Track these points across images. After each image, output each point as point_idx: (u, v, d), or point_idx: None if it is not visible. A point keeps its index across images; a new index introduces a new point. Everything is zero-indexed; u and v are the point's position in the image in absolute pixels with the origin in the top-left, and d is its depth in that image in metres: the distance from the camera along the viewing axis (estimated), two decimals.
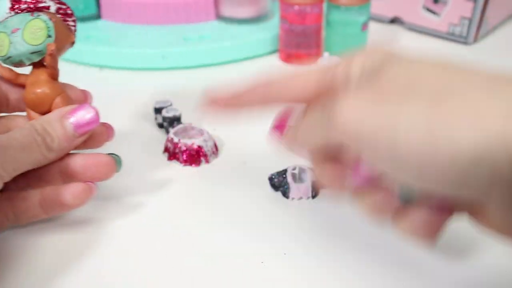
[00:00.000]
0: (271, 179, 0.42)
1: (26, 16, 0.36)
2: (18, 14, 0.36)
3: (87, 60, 0.63)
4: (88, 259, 0.35)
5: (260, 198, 0.41)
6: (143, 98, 0.55)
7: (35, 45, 0.36)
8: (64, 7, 0.38)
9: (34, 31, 0.36)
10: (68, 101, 0.37)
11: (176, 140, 0.45)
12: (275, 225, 0.38)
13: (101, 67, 0.62)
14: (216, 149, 0.46)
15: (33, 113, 0.37)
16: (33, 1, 0.36)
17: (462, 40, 0.67)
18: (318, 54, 0.63)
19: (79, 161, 0.36)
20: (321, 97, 0.31)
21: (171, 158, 0.45)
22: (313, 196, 0.41)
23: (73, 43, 0.39)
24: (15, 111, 0.39)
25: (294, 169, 0.42)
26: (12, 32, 0.36)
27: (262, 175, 0.43)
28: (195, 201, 0.41)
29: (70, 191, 0.35)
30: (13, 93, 0.38)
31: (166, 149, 0.46)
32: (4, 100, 0.38)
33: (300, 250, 0.36)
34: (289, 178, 0.41)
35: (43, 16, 0.36)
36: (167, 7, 0.66)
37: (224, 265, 0.35)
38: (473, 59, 0.67)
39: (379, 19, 0.74)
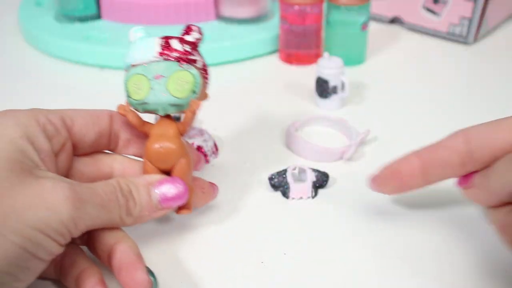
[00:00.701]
0: (271, 179, 0.42)
1: (174, 65, 0.34)
2: (165, 61, 0.34)
3: (87, 60, 0.63)
4: None
5: (260, 198, 0.41)
6: None
7: (178, 98, 0.33)
8: (206, 63, 0.36)
9: (180, 83, 0.33)
10: (191, 165, 0.35)
11: None
12: (275, 225, 0.38)
13: (101, 67, 0.62)
14: (216, 149, 0.46)
15: (150, 166, 0.34)
16: (185, 52, 0.34)
17: (462, 40, 0.67)
18: (318, 54, 0.63)
19: (118, 262, 0.31)
20: None
21: None
22: (313, 196, 0.41)
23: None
24: (121, 153, 0.37)
25: (294, 169, 0.42)
26: (155, 78, 0.33)
27: (262, 175, 0.43)
28: None
29: None
30: (124, 133, 0.36)
31: None
32: (114, 139, 0.36)
33: (300, 250, 0.36)
34: (289, 178, 0.41)
35: (194, 70, 0.34)
36: (167, 7, 0.66)
37: (223, 264, 0.35)
38: (473, 59, 0.67)
39: (379, 19, 0.74)
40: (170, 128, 0.34)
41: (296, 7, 0.59)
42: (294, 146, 0.47)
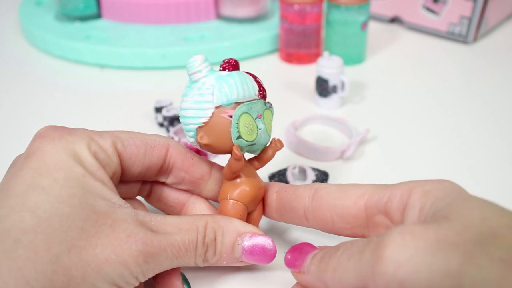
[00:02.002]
0: (271, 178, 0.42)
1: (263, 103, 0.33)
2: (259, 100, 0.32)
3: (87, 60, 0.63)
4: None
5: None
6: (144, 97, 0.55)
7: (269, 137, 0.33)
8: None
9: (269, 122, 0.33)
10: (261, 213, 0.34)
11: (176, 139, 0.45)
12: (275, 224, 0.38)
13: (101, 66, 0.62)
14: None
15: (236, 209, 0.33)
16: (265, 91, 0.33)
17: (462, 39, 0.68)
18: (318, 54, 0.63)
19: (159, 273, 0.31)
20: (371, 221, 0.29)
21: None
22: None
23: None
24: (172, 187, 0.35)
25: (294, 168, 0.42)
26: (257, 118, 0.32)
27: (263, 174, 0.43)
28: None
29: None
30: (177, 170, 0.34)
31: None
32: (165, 172, 0.34)
33: None
34: (289, 177, 0.41)
35: (272, 108, 0.33)
36: (167, 7, 0.66)
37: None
38: (472, 58, 0.68)
39: (379, 19, 0.74)
40: (252, 168, 0.33)
41: (296, 7, 0.59)
42: (294, 145, 0.47)
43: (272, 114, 0.33)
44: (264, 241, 0.32)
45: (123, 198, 0.30)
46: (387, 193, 0.28)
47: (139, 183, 0.35)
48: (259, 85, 0.33)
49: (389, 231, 0.24)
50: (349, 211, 0.30)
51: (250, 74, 0.33)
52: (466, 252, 0.21)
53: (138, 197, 0.36)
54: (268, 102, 0.33)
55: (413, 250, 0.22)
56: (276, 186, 0.34)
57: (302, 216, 0.32)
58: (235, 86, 0.31)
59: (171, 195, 0.35)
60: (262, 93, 0.33)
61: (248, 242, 0.31)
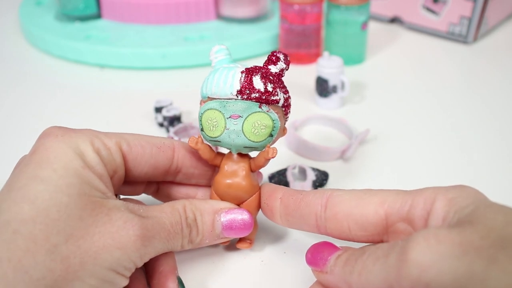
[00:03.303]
0: (271, 178, 0.42)
1: (253, 106, 0.31)
2: (244, 101, 0.31)
3: (87, 60, 0.63)
4: None
5: None
6: (144, 97, 0.55)
7: (254, 142, 0.32)
8: (288, 96, 0.33)
9: (257, 127, 0.32)
10: (259, 202, 0.34)
11: (176, 139, 0.45)
12: (275, 224, 0.38)
13: (101, 66, 0.62)
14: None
15: (216, 197, 0.34)
16: (266, 92, 0.32)
17: (462, 39, 0.68)
18: (318, 54, 0.63)
19: (151, 268, 0.32)
20: (391, 229, 0.29)
21: None
22: None
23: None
24: (180, 183, 0.36)
25: (294, 168, 0.42)
26: (231, 117, 0.31)
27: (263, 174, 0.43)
28: None
29: None
30: (186, 168, 0.34)
31: None
32: (174, 173, 0.35)
33: (300, 249, 0.36)
34: (289, 177, 0.41)
35: (273, 114, 0.32)
36: (167, 7, 0.66)
37: (223, 262, 0.35)
38: (472, 58, 0.68)
39: (379, 19, 0.74)
40: (242, 165, 0.33)
41: (296, 7, 0.59)
42: (294, 145, 0.47)
43: (272, 120, 0.32)
44: (240, 213, 0.33)
45: (128, 196, 0.31)
46: (409, 201, 0.28)
47: (145, 183, 0.36)
48: (245, 86, 0.31)
49: (413, 234, 0.24)
50: (368, 219, 0.29)
51: (251, 72, 0.32)
52: (490, 256, 0.22)
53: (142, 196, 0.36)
54: (266, 106, 0.32)
55: (438, 254, 0.22)
56: (279, 192, 0.33)
57: (313, 224, 0.31)
58: (210, 82, 0.32)
59: (181, 191, 0.36)
60: (245, 94, 0.31)
61: (225, 218, 0.33)
